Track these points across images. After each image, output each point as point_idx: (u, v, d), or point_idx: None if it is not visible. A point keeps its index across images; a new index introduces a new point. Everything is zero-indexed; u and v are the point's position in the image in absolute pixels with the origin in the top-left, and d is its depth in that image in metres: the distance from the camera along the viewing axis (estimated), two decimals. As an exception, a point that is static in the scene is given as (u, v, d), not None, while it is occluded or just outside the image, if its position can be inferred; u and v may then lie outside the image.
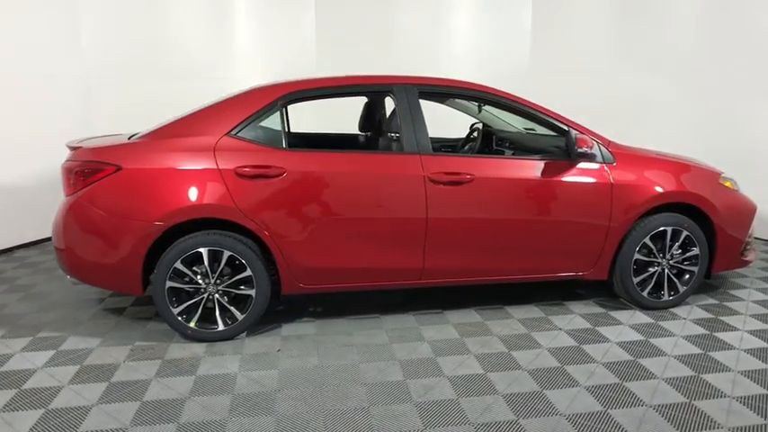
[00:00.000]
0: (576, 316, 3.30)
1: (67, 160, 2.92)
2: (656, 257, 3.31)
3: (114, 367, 2.69)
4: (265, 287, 2.93)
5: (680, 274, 3.39)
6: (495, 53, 6.13)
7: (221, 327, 2.92)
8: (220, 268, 2.87)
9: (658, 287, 3.36)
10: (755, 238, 5.00)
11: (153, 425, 2.22)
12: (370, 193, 2.94)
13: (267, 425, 2.22)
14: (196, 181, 2.79)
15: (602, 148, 3.24)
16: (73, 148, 2.96)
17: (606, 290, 3.62)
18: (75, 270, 2.93)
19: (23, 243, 4.78)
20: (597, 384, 2.52)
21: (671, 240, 3.29)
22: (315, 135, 4.23)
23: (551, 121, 3.26)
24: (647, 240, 3.26)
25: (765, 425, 2.20)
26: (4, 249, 4.64)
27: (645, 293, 3.33)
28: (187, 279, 2.86)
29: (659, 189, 3.22)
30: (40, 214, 4.43)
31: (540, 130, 3.51)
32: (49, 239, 4.83)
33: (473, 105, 3.91)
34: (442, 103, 4.09)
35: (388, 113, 3.58)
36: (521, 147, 3.72)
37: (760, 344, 2.91)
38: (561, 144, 3.26)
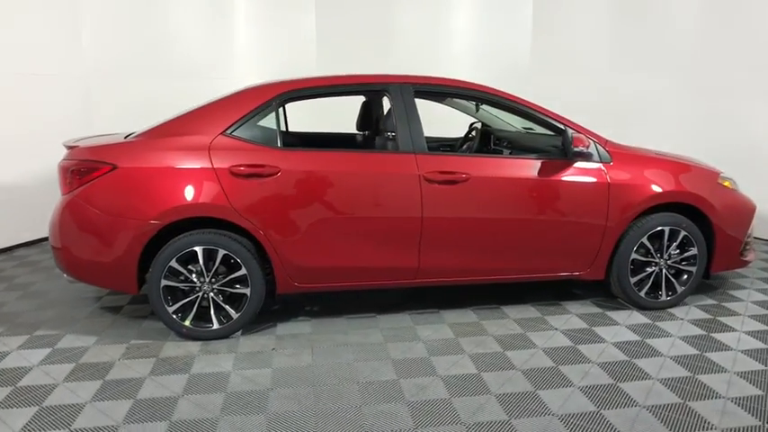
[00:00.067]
0: (572, 316, 3.29)
1: (64, 159, 2.94)
2: (654, 257, 3.29)
3: (109, 365, 2.70)
4: (260, 286, 2.94)
5: (678, 274, 3.37)
6: (495, 53, 6.12)
7: (216, 325, 2.93)
8: (215, 267, 2.87)
9: (656, 287, 3.34)
10: (756, 237, 4.96)
11: (145, 423, 2.23)
12: (365, 193, 2.94)
13: (259, 423, 2.22)
14: (191, 180, 2.80)
15: (599, 147, 3.22)
16: (69, 148, 2.98)
17: (604, 290, 3.60)
18: (72, 268, 2.94)
19: (23, 242, 4.80)
20: (591, 385, 2.50)
21: (669, 240, 3.27)
22: (312, 134, 4.23)
23: (548, 120, 3.24)
24: (644, 240, 3.24)
25: (760, 426, 2.18)
26: (4, 248, 4.66)
27: (642, 293, 3.31)
28: (182, 278, 2.87)
29: (657, 189, 3.20)
30: (40, 213, 4.43)
31: (539, 129, 3.50)
32: (48, 238, 4.85)
33: (471, 104, 3.90)
34: (440, 102, 4.09)
35: (385, 113, 3.57)
36: (518, 146, 3.71)
37: (757, 345, 2.89)
38: (559, 143, 3.25)
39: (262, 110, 2.95)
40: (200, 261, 2.85)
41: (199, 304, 2.92)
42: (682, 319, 3.25)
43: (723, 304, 3.46)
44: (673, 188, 3.22)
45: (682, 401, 2.36)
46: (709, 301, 3.51)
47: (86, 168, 2.81)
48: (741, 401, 2.35)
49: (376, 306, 3.44)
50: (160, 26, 5.35)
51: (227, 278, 2.90)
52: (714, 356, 2.76)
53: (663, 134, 5.27)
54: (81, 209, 2.81)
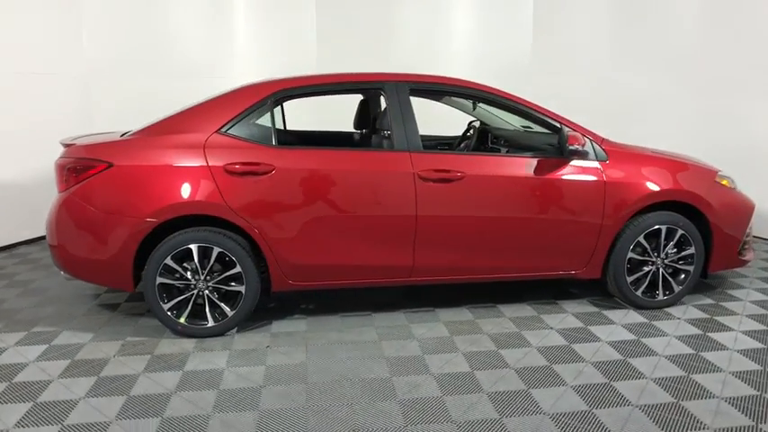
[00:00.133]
0: (568, 315, 3.28)
1: (61, 157, 2.96)
2: (651, 256, 3.27)
3: (104, 362, 2.72)
4: (255, 284, 2.94)
5: (675, 273, 3.35)
6: (496, 51, 6.10)
7: (211, 323, 2.94)
8: (210, 265, 2.88)
9: (653, 286, 3.32)
10: (757, 237, 4.92)
11: (137, 419, 2.24)
12: (360, 191, 2.94)
13: (250, 420, 2.23)
14: (186, 178, 2.81)
15: (596, 145, 3.21)
16: (66, 146, 2.99)
17: (601, 289, 3.59)
18: (68, 266, 2.96)
19: (24, 240, 4.84)
20: (584, 384, 2.49)
21: (666, 239, 3.25)
22: (310, 133, 4.24)
23: (544, 118, 3.23)
24: (641, 239, 3.22)
25: (752, 426, 2.17)
26: (5, 246, 4.70)
27: (639, 293, 3.29)
28: (177, 275, 2.88)
29: (653, 187, 3.18)
30: (40, 211, 4.45)
31: (537, 127, 3.48)
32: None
33: (469, 103, 3.89)
34: (438, 100, 4.09)
35: (382, 111, 3.57)
36: (516, 144, 3.70)
37: (754, 344, 2.87)
38: (555, 142, 3.24)
39: (257, 108, 2.96)
40: (195, 259, 2.87)
41: (194, 302, 2.93)
42: (679, 318, 3.23)
43: (721, 304, 3.44)
44: (669, 187, 3.20)
45: (675, 401, 2.34)
46: (708, 301, 3.49)
47: (83, 166, 2.83)
48: (735, 401, 2.34)
49: (372, 304, 3.44)
50: (160, 25, 5.37)
51: (222, 276, 2.91)
52: (710, 356, 2.74)
53: (663, 133, 5.23)
54: (77, 206, 2.83)
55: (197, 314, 2.95)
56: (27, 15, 4.58)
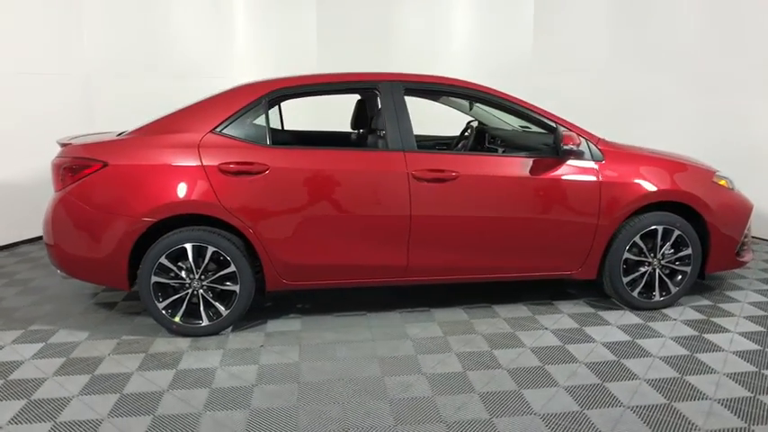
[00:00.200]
0: (563, 316, 3.27)
1: (57, 156, 2.98)
2: (647, 257, 3.26)
3: (99, 360, 2.74)
4: (249, 283, 2.95)
5: (672, 274, 3.33)
6: (496, 51, 6.09)
7: (206, 322, 2.95)
8: (205, 264, 2.90)
9: (650, 287, 3.30)
10: (757, 238, 4.89)
11: (129, 417, 2.25)
12: (354, 190, 2.95)
13: (241, 418, 2.24)
14: (180, 177, 2.82)
15: (591, 145, 3.20)
16: (63, 145, 3.02)
17: (598, 290, 3.57)
18: (64, 265, 2.99)
19: (25, 239, 4.88)
20: (577, 384, 2.49)
21: (662, 240, 3.24)
22: (307, 133, 4.25)
23: (539, 118, 3.23)
24: (637, 239, 3.21)
25: (745, 428, 2.15)
26: (7, 245, 4.74)
27: (635, 293, 3.28)
28: (172, 274, 2.89)
29: (649, 187, 3.17)
30: (41, 211, 4.51)
31: (535, 127, 3.47)
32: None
33: (466, 103, 3.89)
34: (435, 100, 4.09)
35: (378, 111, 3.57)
36: (513, 144, 3.69)
37: (750, 346, 2.85)
38: (551, 142, 3.23)
39: (251, 108, 2.97)
40: (190, 258, 2.88)
41: (189, 301, 2.94)
42: (675, 319, 3.21)
43: (719, 305, 3.42)
44: (666, 187, 3.19)
45: (667, 402, 2.33)
46: (705, 302, 3.47)
47: (78, 165, 2.85)
48: (728, 403, 2.32)
49: (367, 304, 3.44)
50: (160, 26, 5.40)
51: (217, 275, 2.93)
52: (704, 357, 2.73)
53: (663, 133, 5.21)
54: (73, 205, 2.85)
55: (192, 313, 2.96)
56: (27, 15, 4.62)
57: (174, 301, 2.93)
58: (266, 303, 3.46)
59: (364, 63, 4.98)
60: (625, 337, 2.96)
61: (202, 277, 2.92)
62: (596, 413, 2.26)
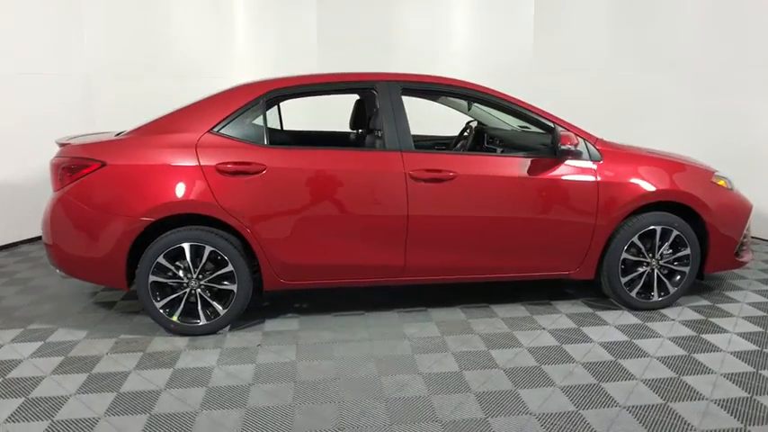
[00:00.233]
0: (561, 316, 3.26)
1: (56, 156, 2.99)
2: (645, 257, 3.25)
3: (97, 359, 2.75)
4: (247, 283, 2.96)
5: (671, 274, 3.32)
6: (496, 51, 6.08)
7: (203, 321, 2.96)
8: (202, 263, 2.90)
9: (648, 287, 3.30)
10: (758, 238, 4.87)
11: (126, 415, 2.26)
12: (351, 190, 2.95)
13: (236, 417, 2.24)
14: (178, 177, 2.83)
15: (589, 145, 3.19)
16: (62, 145, 3.03)
17: (596, 290, 3.56)
18: (63, 264, 3.00)
19: (26, 239, 4.90)
20: (573, 384, 2.48)
21: (660, 240, 3.23)
22: (307, 133, 4.25)
23: (537, 118, 3.22)
24: (635, 240, 3.20)
25: (741, 428, 2.15)
26: (8, 244, 4.76)
27: (633, 294, 3.27)
28: (170, 274, 2.90)
29: (648, 187, 3.16)
30: (42, 211, 4.53)
31: (534, 127, 3.47)
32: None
33: (464, 103, 3.88)
34: (434, 100, 4.09)
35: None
36: (511, 144, 3.69)
37: (748, 346, 2.84)
38: (549, 142, 3.22)
39: (249, 108, 2.97)
40: (188, 257, 2.89)
41: (187, 300, 2.95)
42: (673, 319, 3.20)
43: (718, 305, 3.41)
44: (664, 187, 3.18)
45: (663, 402, 2.33)
46: (704, 302, 3.46)
47: (77, 165, 2.86)
48: (725, 403, 2.32)
49: (366, 304, 3.45)
50: (161, 26, 5.42)
51: (215, 274, 2.93)
52: (702, 358, 2.72)
53: (664, 133, 5.19)
54: (71, 205, 2.86)
55: (190, 312, 2.97)
56: (28, 16, 4.64)
57: (171, 300, 2.94)
58: (264, 303, 3.46)
59: (365, 63, 4.98)
60: (623, 338, 2.96)
61: (200, 277, 2.93)
62: (592, 413, 2.26)
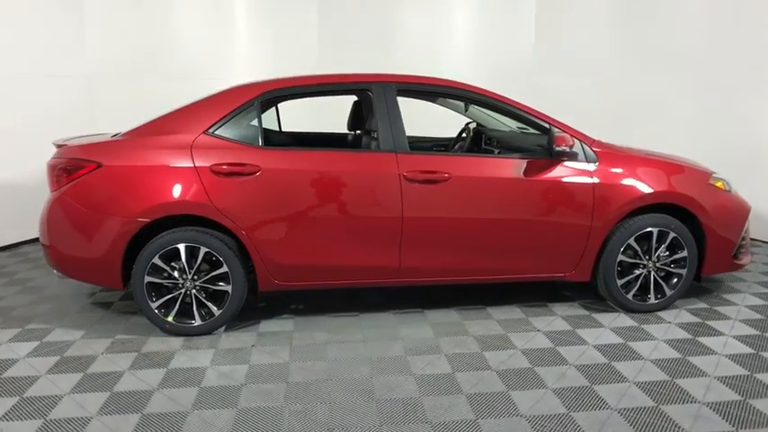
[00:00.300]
0: (557, 318, 3.25)
1: (53, 157, 3.02)
2: (642, 259, 3.23)
3: (92, 359, 2.77)
4: (241, 283, 2.97)
5: (668, 276, 3.30)
6: (497, 52, 6.08)
7: (198, 321, 2.97)
8: (197, 264, 2.92)
9: (645, 290, 3.28)
10: (759, 240, 4.84)
11: (118, 415, 2.28)
12: (345, 192, 2.95)
13: (227, 417, 2.25)
14: (173, 178, 2.85)
15: (585, 146, 3.18)
16: (58, 146, 3.06)
17: (593, 292, 3.55)
18: (60, 264, 3.02)
19: (28, 239, 4.94)
20: (565, 387, 2.47)
21: (657, 242, 3.21)
22: (305, 134, 4.26)
23: (533, 119, 3.22)
24: (631, 242, 3.19)
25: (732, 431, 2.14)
26: (10, 245, 4.81)
27: (630, 296, 3.26)
28: (165, 274, 2.92)
29: (644, 189, 3.15)
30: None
31: (532, 129, 3.46)
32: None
33: (462, 104, 3.89)
34: (432, 101, 4.09)
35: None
36: (508, 146, 3.68)
37: (744, 349, 2.82)
38: (545, 143, 3.21)
39: (244, 109, 2.99)
40: (183, 258, 2.90)
41: (182, 301, 2.97)
42: (669, 322, 3.18)
43: (715, 308, 3.39)
44: (660, 189, 3.17)
45: (655, 405, 2.32)
46: (701, 305, 3.44)
47: (73, 166, 2.89)
48: (717, 406, 2.30)
49: (361, 305, 3.45)
50: (162, 27, 5.45)
51: (209, 275, 2.95)
52: (696, 360, 2.70)
53: (666, 134, 5.17)
54: (68, 206, 2.89)
55: (185, 313, 2.98)
56: (29, 17, 4.68)
57: (167, 300, 2.95)
58: (260, 304, 3.47)
59: (365, 64, 4.99)
60: (617, 340, 2.95)
61: (195, 277, 2.94)
62: (583, 415, 2.25)
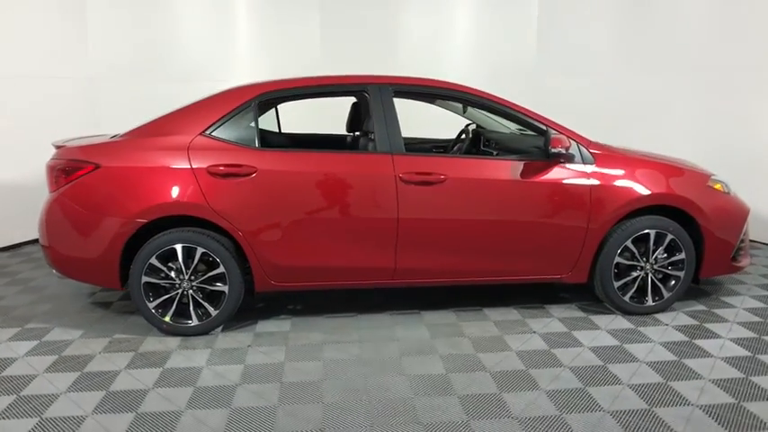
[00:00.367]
0: (553, 319, 3.25)
1: (52, 159, 3.05)
2: (639, 261, 3.22)
3: (89, 358, 2.79)
4: (238, 284, 2.99)
5: (666, 279, 3.29)
6: (500, 52, 6.08)
7: (195, 322, 2.99)
8: (194, 265, 2.94)
9: (642, 292, 3.27)
10: (761, 242, 4.80)
11: (113, 413, 2.30)
12: (341, 193, 2.97)
13: (220, 417, 2.27)
14: (170, 179, 2.87)
15: (582, 148, 3.18)
16: (57, 147, 3.09)
17: (592, 294, 3.54)
18: (59, 265, 3.05)
19: (31, 239, 4.98)
20: (558, 389, 2.47)
21: (655, 244, 3.20)
22: (304, 135, 4.28)
23: (529, 120, 3.22)
24: (628, 244, 3.18)
25: (725, 435, 2.13)
26: (14, 245, 4.86)
27: (627, 298, 3.25)
28: (162, 275, 2.94)
29: (641, 191, 3.14)
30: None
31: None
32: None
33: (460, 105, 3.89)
34: (431, 102, 4.09)
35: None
36: (506, 147, 3.68)
37: (740, 352, 2.81)
38: (542, 145, 3.21)
39: (241, 111, 3.01)
40: (180, 259, 2.92)
41: (179, 301, 2.99)
42: (666, 324, 3.17)
43: (713, 310, 3.37)
44: (658, 190, 3.15)
45: (648, 408, 2.31)
46: (700, 307, 3.42)
47: (71, 167, 2.92)
48: (710, 409, 2.29)
49: (359, 306, 3.46)
50: (164, 29, 5.50)
51: (206, 276, 2.97)
52: (692, 363, 2.69)
53: (668, 135, 5.15)
54: (66, 207, 2.92)
55: (182, 313, 3.01)
56: (32, 19, 4.74)
57: (164, 301, 2.97)
58: (258, 304, 3.49)
59: (368, 64, 5.00)
60: (613, 342, 2.94)
61: (192, 278, 2.96)
62: (575, 417, 2.25)
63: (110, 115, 5.31)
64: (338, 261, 3.03)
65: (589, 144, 3.23)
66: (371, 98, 3.11)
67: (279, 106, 4.08)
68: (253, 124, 3.03)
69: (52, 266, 3.10)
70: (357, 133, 4.02)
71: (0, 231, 4.77)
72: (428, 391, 2.46)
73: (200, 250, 2.92)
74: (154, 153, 2.90)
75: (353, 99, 3.88)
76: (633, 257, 3.22)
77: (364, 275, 3.09)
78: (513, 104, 3.24)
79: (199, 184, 2.86)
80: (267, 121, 4.11)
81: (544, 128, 3.17)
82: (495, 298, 3.56)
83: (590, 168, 3.14)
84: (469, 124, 4.25)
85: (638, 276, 3.24)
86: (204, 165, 2.88)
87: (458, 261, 3.12)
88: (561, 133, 3.13)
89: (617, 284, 3.22)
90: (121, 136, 3.06)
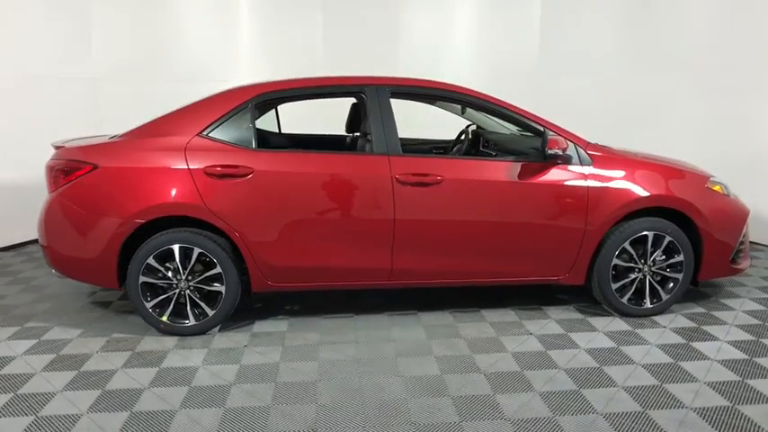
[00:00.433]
0: (550, 321, 3.24)
1: (51, 159, 3.07)
2: (637, 263, 3.21)
3: (87, 357, 2.81)
4: (235, 284, 3.00)
5: (664, 281, 3.27)
6: (503, 52, 6.07)
7: (192, 321, 3.01)
8: (191, 265, 2.95)
9: (640, 294, 3.26)
10: (761, 244, 4.77)
11: (108, 412, 2.31)
12: (337, 194, 2.97)
13: (214, 416, 2.28)
14: (168, 180, 2.89)
15: (580, 149, 3.17)
16: (57, 148, 3.11)
17: (590, 295, 3.52)
18: (58, 264, 3.08)
19: (34, 239, 5.01)
20: (553, 391, 2.47)
21: (653, 246, 3.19)
22: (304, 136, 4.29)
23: (527, 122, 3.21)
24: (626, 245, 3.17)
25: (719, 438, 2.11)
26: (15, 244, 4.90)
27: (624, 300, 3.23)
28: (160, 275, 2.96)
29: (639, 192, 3.13)
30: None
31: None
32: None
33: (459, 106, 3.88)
34: (431, 103, 4.09)
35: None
36: (505, 149, 3.68)
37: (737, 355, 2.79)
38: (540, 146, 3.21)
39: (238, 111, 3.02)
40: (177, 259, 2.94)
41: (176, 301, 3.00)
42: (664, 327, 3.16)
43: (712, 313, 3.35)
44: (656, 192, 3.14)
45: (642, 410, 2.30)
46: (698, 310, 3.40)
47: (70, 168, 2.94)
48: (704, 412, 2.28)
49: (357, 307, 3.47)
50: (168, 30, 5.52)
51: (203, 276, 2.98)
52: (688, 366, 2.68)
53: (668, 136, 5.12)
54: (64, 207, 2.94)
55: (179, 313, 3.02)
56: (36, 20, 4.77)
57: (161, 300, 2.99)
58: (256, 305, 3.50)
59: (370, 65, 5.01)
60: (610, 344, 2.93)
61: (189, 278, 2.98)
62: (568, 419, 2.24)
63: (112, 116, 5.33)
64: (334, 262, 3.03)
65: (587, 145, 3.22)
66: (368, 99, 3.11)
67: (279, 107, 4.09)
68: (250, 125, 3.04)
69: (51, 266, 3.13)
70: (356, 134, 4.03)
71: (3, 231, 4.81)
72: (422, 391, 2.46)
73: (197, 250, 2.93)
74: (151, 154, 2.91)
75: (353, 99, 3.90)
76: (631, 259, 3.21)
77: (361, 276, 3.10)
78: (510, 105, 3.23)
79: (196, 185, 2.88)
80: (267, 122, 4.13)
81: (541, 129, 3.16)
82: (492, 299, 3.56)
83: (588, 170, 3.14)
84: (470, 125, 4.24)
85: (636, 278, 3.23)
86: (201, 165, 2.89)
87: (454, 262, 3.12)
88: (559, 135, 3.13)
89: (615, 286, 3.21)
90: (120, 137, 3.08)
